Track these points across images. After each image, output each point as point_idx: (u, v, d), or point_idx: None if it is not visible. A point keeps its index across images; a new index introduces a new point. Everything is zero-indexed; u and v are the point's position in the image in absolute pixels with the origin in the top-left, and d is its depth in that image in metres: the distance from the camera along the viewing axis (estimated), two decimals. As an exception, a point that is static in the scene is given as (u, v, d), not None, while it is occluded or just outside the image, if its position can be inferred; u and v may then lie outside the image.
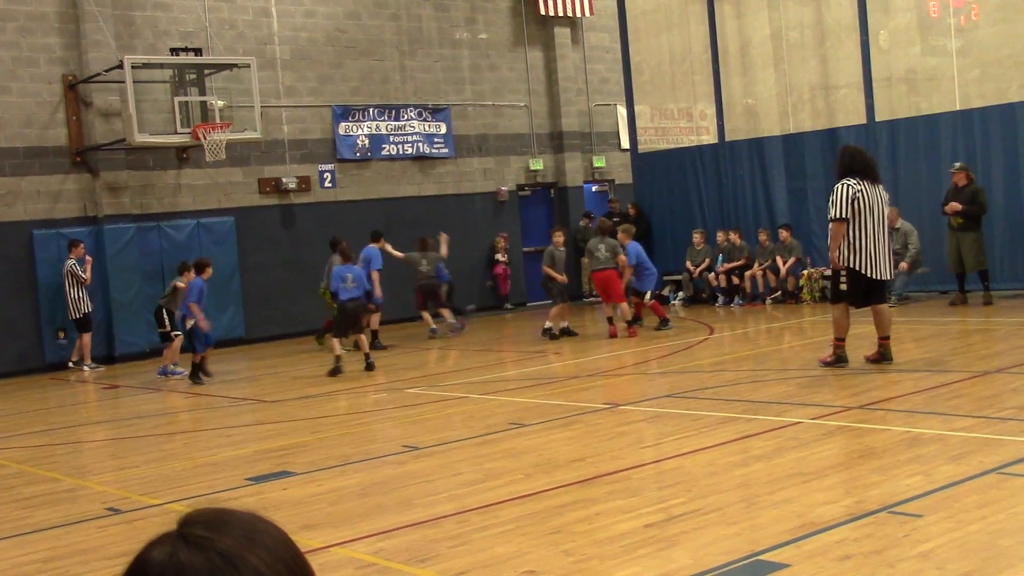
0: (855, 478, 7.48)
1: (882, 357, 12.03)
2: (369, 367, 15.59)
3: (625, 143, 25.82)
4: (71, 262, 18.50)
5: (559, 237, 18.83)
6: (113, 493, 8.96)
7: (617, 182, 26.85)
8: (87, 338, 18.77)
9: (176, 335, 16.75)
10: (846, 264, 11.84)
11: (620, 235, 18.65)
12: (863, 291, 11.94)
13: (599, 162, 26.72)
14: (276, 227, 21.41)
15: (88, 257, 18.85)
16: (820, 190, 20.14)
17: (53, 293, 19.05)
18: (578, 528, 6.70)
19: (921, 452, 7.97)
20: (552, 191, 26.14)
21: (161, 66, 19.57)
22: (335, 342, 15.77)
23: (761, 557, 5.83)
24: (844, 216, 11.71)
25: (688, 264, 22.10)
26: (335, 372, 15.35)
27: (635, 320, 18.41)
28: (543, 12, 25.49)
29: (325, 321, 18.95)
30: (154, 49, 20.27)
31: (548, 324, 18.21)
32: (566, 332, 18.30)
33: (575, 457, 8.86)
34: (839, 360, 12.10)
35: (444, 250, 19.57)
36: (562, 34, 26.03)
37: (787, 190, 21.36)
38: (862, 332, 13.40)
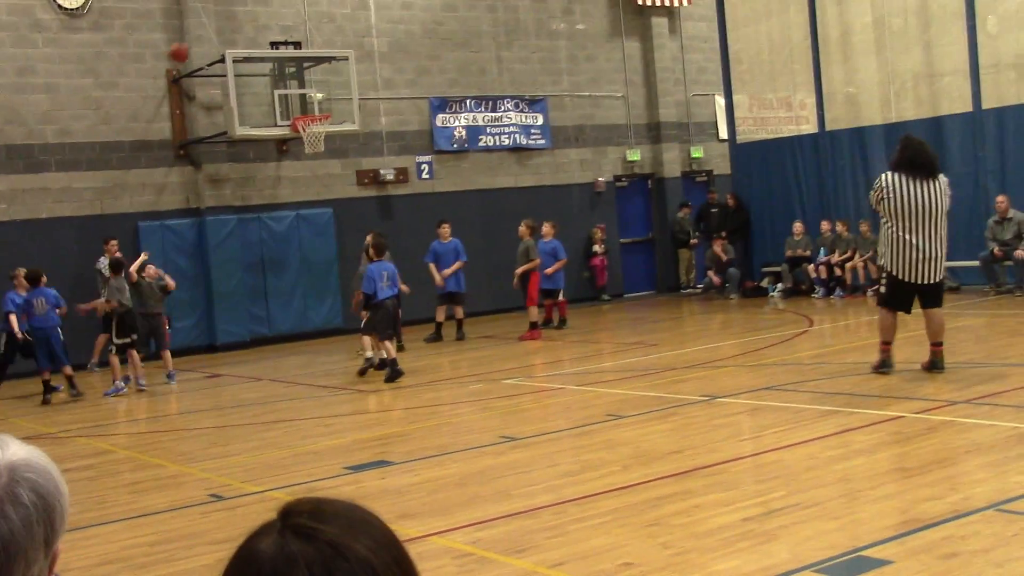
0: (961, 474, 7.31)
1: (932, 365, 11.18)
2: (391, 376, 14.24)
3: (723, 133, 25.55)
4: (103, 260, 18.30)
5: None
6: (216, 480, 9.12)
7: (715, 173, 26.58)
8: (100, 338, 17.76)
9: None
10: (885, 267, 11.23)
11: (547, 228, 18.95)
12: (898, 295, 11.15)
13: (697, 153, 26.48)
14: (374, 218, 21.56)
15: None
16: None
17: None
18: (676, 521, 6.65)
19: (1030, 448, 7.76)
20: (649, 182, 25.98)
21: (261, 59, 19.83)
22: (367, 340, 14.87)
23: (863, 553, 5.73)
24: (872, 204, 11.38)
25: (788, 254, 21.85)
26: (364, 371, 14.79)
27: (547, 323, 18.85)
28: (640, 2, 25.28)
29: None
30: (255, 43, 20.57)
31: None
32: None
33: (673, 449, 8.80)
34: (882, 365, 11.38)
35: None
36: (659, 24, 25.82)
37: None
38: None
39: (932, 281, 11.02)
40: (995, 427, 8.59)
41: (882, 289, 11.40)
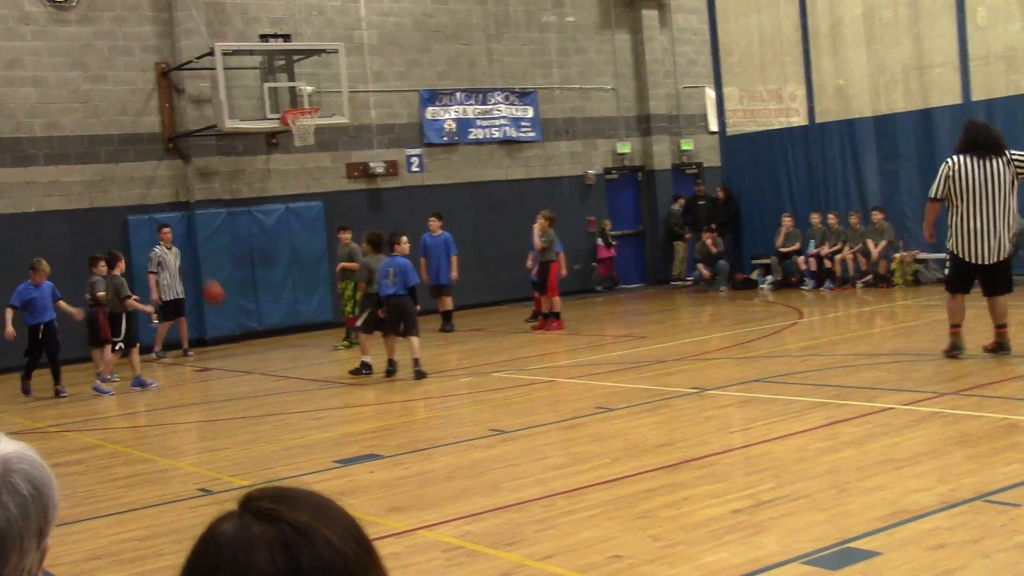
0: (949, 465, 7.32)
1: (998, 347, 11.34)
2: (419, 375, 13.82)
3: (713, 126, 25.55)
4: (158, 248, 18.55)
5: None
6: (205, 474, 9.11)
7: (705, 165, 26.59)
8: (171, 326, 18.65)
9: (119, 345, 15.31)
10: (951, 249, 11.43)
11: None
12: (962, 276, 11.40)
13: (687, 145, 26.48)
14: (364, 211, 21.54)
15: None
16: (913, 172, 19.80)
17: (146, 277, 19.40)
18: (665, 513, 6.65)
19: (1019, 440, 7.79)
20: (639, 174, 25.97)
21: (251, 52, 19.79)
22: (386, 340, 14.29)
23: (851, 544, 5.74)
24: (935, 195, 11.40)
25: (778, 247, 21.87)
26: (364, 371, 14.34)
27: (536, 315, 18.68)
28: (630, -6, 25.32)
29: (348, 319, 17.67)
30: (244, 36, 20.51)
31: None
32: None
33: (662, 442, 8.81)
34: (953, 348, 11.48)
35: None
36: (650, 16, 25.80)
37: (879, 172, 21.00)
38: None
39: (995, 260, 11.18)
40: (983, 418, 8.62)
41: (947, 271, 11.69)
